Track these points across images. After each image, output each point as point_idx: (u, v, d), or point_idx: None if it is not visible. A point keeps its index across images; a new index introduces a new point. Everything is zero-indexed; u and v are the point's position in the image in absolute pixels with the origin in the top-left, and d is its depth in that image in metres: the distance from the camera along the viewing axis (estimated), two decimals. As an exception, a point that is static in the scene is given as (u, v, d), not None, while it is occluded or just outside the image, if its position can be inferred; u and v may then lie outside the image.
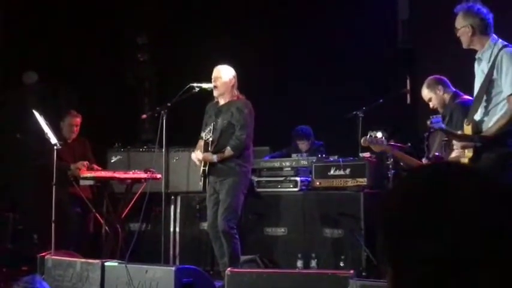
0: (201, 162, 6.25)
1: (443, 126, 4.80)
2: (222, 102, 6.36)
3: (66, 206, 7.25)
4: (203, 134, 6.26)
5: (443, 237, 1.00)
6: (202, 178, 6.24)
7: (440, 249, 1.00)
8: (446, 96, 5.84)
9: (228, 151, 6.14)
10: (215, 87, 6.28)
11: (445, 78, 5.94)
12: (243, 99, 6.35)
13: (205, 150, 6.21)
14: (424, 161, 5.68)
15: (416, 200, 1.05)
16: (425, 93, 5.93)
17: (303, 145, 8.12)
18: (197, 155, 6.29)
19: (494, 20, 4.69)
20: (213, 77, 6.31)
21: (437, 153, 5.42)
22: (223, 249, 6.16)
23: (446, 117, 5.68)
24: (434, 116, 4.70)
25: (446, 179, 1.06)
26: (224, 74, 6.30)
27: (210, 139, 6.18)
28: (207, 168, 6.19)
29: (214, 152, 6.18)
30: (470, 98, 5.37)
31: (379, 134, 5.17)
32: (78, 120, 7.85)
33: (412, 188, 1.08)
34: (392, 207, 1.08)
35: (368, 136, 5.21)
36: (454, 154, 4.83)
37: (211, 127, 6.22)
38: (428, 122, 4.72)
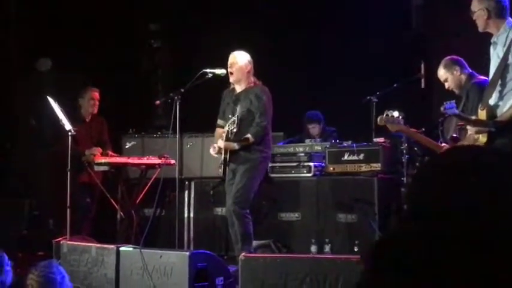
0: (220, 151, 6.23)
1: (456, 111, 4.76)
2: (238, 89, 6.32)
3: (77, 195, 7.27)
4: (226, 125, 6.21)
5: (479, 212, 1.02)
6: (222, 165, 6.24)
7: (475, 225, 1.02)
8: (463, 77, 5.81)
9: (250, 138, 6.12)
10: (231, 73, 6.23)
11: (462, 59, 5.90)
12: (260, 85, 6.30)
13: (227, 138, 6.18)
14: (441, 144, 5.64)
15: (455, 174, 1.06)
16: (442, 73, 5.88)
17: (314, 129, 8.12)
18: (218, 143, 6.25)
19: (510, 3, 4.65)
20: (228, 63, 6.27)
21: (454, 135, 5.38)
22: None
23: (462, 98, 5.65)
24: (447, 102, 4.65)
25: (484, 159, 1.08)
26: (240, 60, 6.25)
27: (234, 130, 6.14)
28: (228, 156, 6.18)
29: (235, 140, 6.15)
30: (486, 78, 5.33)
31: (396, 113, 5.12)
32: (97, 94, 7.85)
33: (454, 164, 1.10)
34: (431, 178, 1.10)
35: (384, 115, 5.15)
36: (468, 136, 4.80)
37: (236, 118, 6.15)
38: (442, 108, 4.67)
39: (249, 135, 6.12)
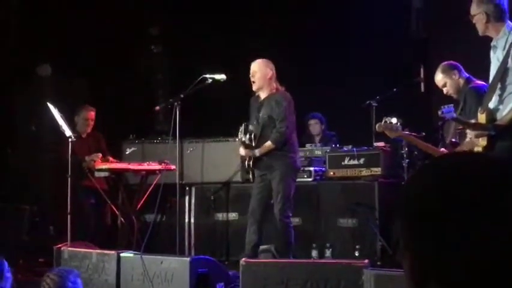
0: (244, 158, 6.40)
1: (454, 115, 4.76)
2: (262, 96, 6.39)
3: (81, 198, 7.29)
4: (239, 135, 6.39)
5: (469, 223, 1.01)
6: (250, 171, 6.39)
7: (464, 232, 1.01)
8: (461, 81, 5.79)
9: (269, 145, 6.19)
10: (253, 82, 6.32)
11: (459, 64, 5.89)
12: (282, 91, 6.35)
13: (247, 146, 6.30)
14: (440, 148, 5.64)
15: (444, 185, 1.06)
16: (440, 78, 5.85)
17: (315, 126, 8.18)
18: (240, 151, 6.44)
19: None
20: (250, 72, 6.35)
21: (453, 140, 5.38)
22: (254, 236, 6.22)
23: (460, 103, 5.64)
24: (445, 106, 4.66)
25: (474, 167, 1.07)
26: (260, 68, 6.32)
27: (243, 139, 6.30)
28: (251, 163, 6.29)
29: (257, 146, 6.25)
30: (483, 83, 5.33)
31: (394, 120, 5.13)
32: (93, 114, 7.87)
33: (440, 173, 1.09)
34: (419, 190, 1.09)
35: (383, 122, 5.17)
36: (467, 141, 4.80)
37: (242, 128, 6.32)
38: (440, 112, 4.68)
39: (268, 142, 6.20)
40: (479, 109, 4.68)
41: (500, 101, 4.57)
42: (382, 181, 6.84)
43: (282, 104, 6.22)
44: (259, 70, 6.29)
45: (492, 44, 4.67)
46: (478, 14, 4.61)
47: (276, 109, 6.22)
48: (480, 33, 4.70)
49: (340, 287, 4.67)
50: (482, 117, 4.62)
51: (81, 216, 7.09)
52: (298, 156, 6.45)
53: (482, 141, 4.55)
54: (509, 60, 4.49)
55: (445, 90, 5.85)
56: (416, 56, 8.51)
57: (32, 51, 9.09)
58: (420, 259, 1.05)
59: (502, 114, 4.53)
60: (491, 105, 4.60)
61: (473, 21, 4.67)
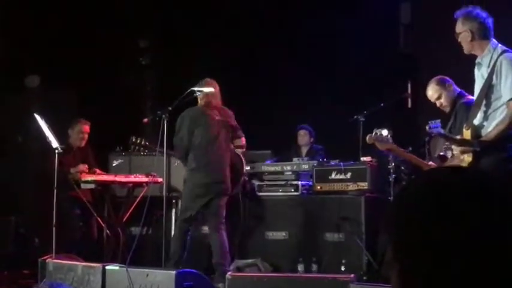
0: None
1: (441, 131, 4.78)
2: None
3: (67, 210, 7.24)
4: None
5: (456, 233, 1.02)
6: None
7: (453, 244, 1.02)
8: (455, 95, 5.72)
9: None
10: None
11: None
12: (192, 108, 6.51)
13: None
14: (428, 162, 5.63)
15: (433, 197, 1.07)
16: (435, 90, 5.72)
17: (305, 137, 8.25)
18: None
19: (495, 25, 4.68)
20: None
21: (442, 153, 5.35)
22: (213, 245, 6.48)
23: (451, 118, 5.59)
24: (432, 121, 4.68)
25: (461, 181, 1.09)
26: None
27: None
28: None
29: None
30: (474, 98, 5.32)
31: (385, 132, 5.12)
32: (87, 127, 7.80)
33: (430, 186, 1.10)
34: (410, 201, 1.10)
35: (373, 133, 5.15)
36: (455, 160, 4.81)
37: None
38: (427, 127, 4.70)
39: None
40: (464, 125, 4.71)
41: (485, 117, 4.61)
42: (369, 196, 6.86)
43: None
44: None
45: (477, 61, 4.71)
46: (463, 32, 4.65)
47: None
48: (465, 51, 4.73)
49: (325, 301, 4.68)
50: (467, 134, 4.65)
51: (66, 228, 7.05)
52: (192, 174, 6.51)
53: (468, 157, 4.59)
54: (494, 77, 4.53)
55: (438, 103, 5.71)
56: (404, 71, 8.57)
57: (20, 61, 9.07)
58: (409, 270, 1.06)
59: (487, 130, 4.57)
60: (476, 121, 4.64)
61: (459, 40, 4.71)
